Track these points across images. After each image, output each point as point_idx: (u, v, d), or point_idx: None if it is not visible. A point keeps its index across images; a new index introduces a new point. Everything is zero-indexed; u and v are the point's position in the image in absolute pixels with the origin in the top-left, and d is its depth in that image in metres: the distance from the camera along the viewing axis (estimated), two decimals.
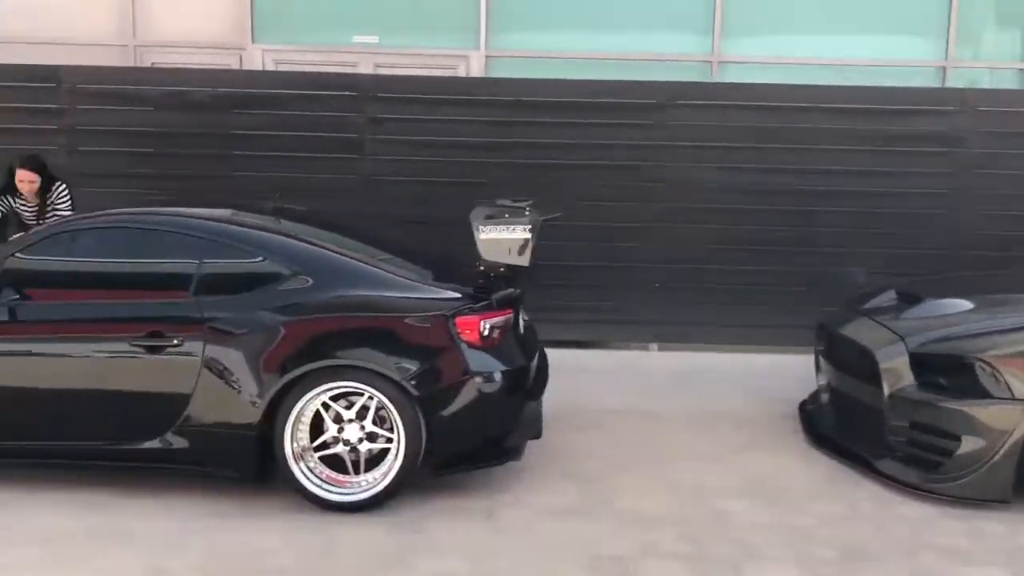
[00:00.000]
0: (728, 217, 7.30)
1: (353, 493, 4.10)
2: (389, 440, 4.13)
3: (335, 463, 4.16)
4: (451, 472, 4.31)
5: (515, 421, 4.35)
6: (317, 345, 4.07)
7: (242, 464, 4.14)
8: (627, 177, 7.27)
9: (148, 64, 8.79)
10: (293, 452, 4.09)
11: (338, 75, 7.64)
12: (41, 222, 5.63)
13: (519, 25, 8.88)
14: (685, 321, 7.38)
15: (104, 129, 7.24)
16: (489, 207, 4.64)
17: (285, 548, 3.76)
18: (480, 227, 4.28)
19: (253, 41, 8.96)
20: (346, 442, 4.13)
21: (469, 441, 4.25)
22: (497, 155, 7.26)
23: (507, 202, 4.80)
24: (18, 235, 4.92)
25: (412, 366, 4.07)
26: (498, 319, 4.31)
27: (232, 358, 4.09)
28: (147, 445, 4.16)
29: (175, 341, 4.10)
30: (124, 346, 4.12)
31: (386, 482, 4.08)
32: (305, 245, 4.36)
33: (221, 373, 4.09)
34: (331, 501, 4.09)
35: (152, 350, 4.11)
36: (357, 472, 4.15)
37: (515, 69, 8.65)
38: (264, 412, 4.05)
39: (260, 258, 4.28)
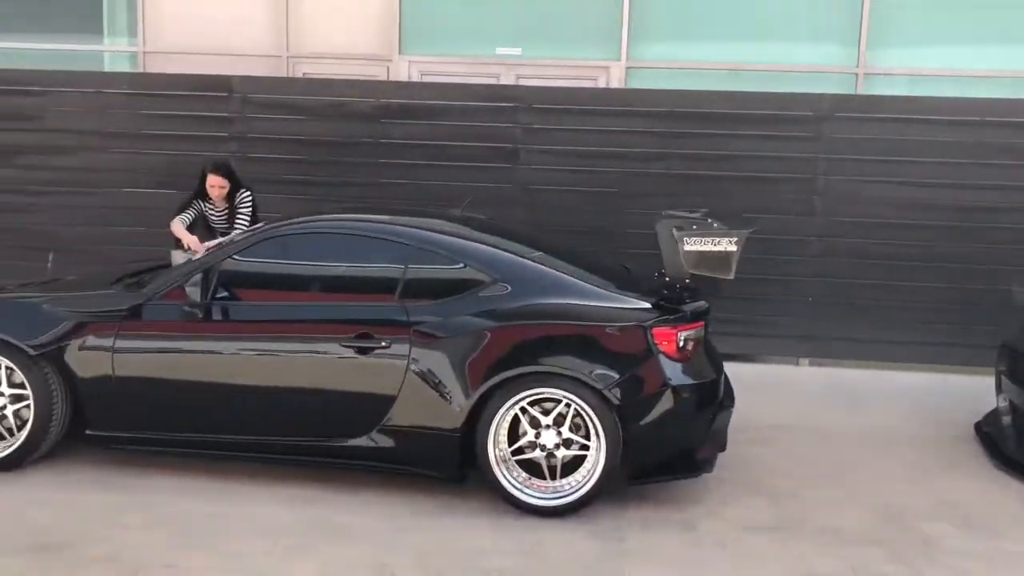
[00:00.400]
0: (886, 232, 7.15)
1: (554, 498, 4.17)
2: (583, 447, 4.19)
3: (529, 468, 4.24)
4: (643, 482, 4.34)
5: (707, 434, 4.36)
6: (521, 352, 4.16)
7: (445, 465, 4.26)
8: (782, 189, 7.20)
9: (300, 74, 9.10)
10: (496, 455, 4.18)
11: (494, 86, 7.78)
12: (235, 226, 5.88)
13: (659, 36, 8.87)
14: (837, 337, 7.26)
15: (271, 137, 7.52)
16: (677, 219, 4.66)
17: (496, 549, 3.85)
18: (684, 239, 4.31)
19: (400, 52, 9.16)
20: (542, 447, 4.21)
21: (664, 452, 4.28)
22: (650, 166, 7.28)
23: (688, 212, 4.83)
24: (230, 237, 5.13)
25: (613, 375, 4.12)
26: (692, 331, 4.33)
27: (437, 361, 4.21)
28: (353, 443, 4.31)
29: (383, 343, 4.25)
30: (334, 346, 4.28)
31: (586, 488, 4.14)
32: (504, 253, 4.46)
33: (426, 375, 4.21)
34: (532, 505, 4.17)
35: (361, 351, 4.26)
36: (553, 477, 4.22)
37: (655, 80, 8.66)
38: (467, 415, 4.16)
39: (461, 265, 4.40)
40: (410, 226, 4.55)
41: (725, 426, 4.48)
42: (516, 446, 4.21)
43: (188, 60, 8.81)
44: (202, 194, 5.92)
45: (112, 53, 9.47)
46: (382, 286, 4.41)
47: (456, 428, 4.18)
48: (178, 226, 5.81)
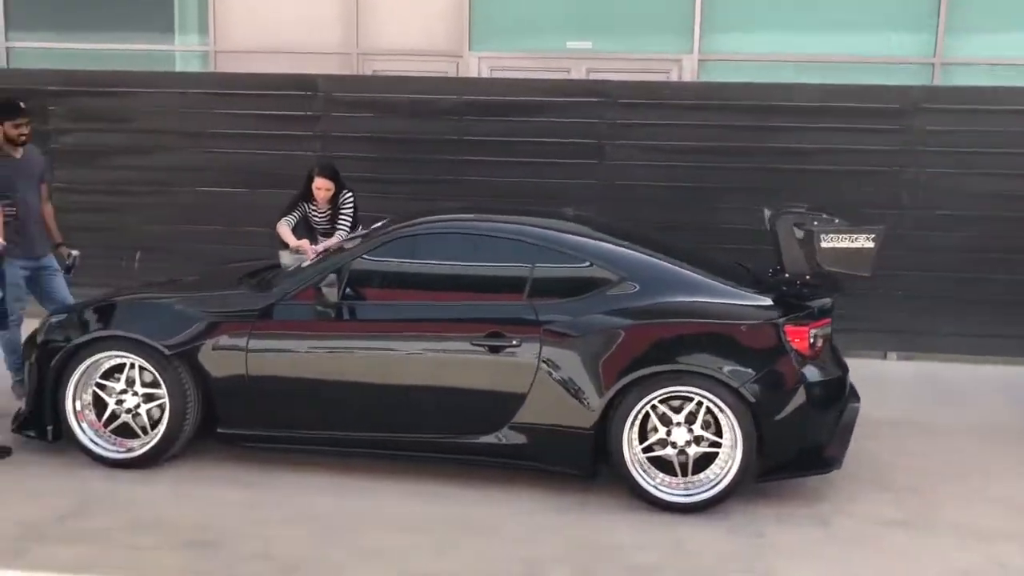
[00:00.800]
0: (973, 224, 7.10)
1: (690, 494, 4.20)
2: (712, 444, 4.21)
3: (657, 464, 4.27)
4: (772, 479, 4.35)
5: (835, 430, 4.38)
6: (657, 350, 4.19)
7: (577, 462, 4.30)
8: (872, 182, 7.16)
9: (370, 71, 9.15)
10: (630, 453, 4.21)
11: (579, 81, 7.80)
12: (337, 226, 5.94)
13: (731, 28, 8.82)
14: (924, 330, 7.22)
15: (354, 136, 7.58)
16: (793, 215, 4.67)
17: (638, 545, 3.88)
18: (821, 235, 4.31)
19: (470, 49, 9.19)
20: (673, 444, 4.23)
21: (795, 449, 4.29)
22: (737, 160, 7.26)
23: (797, 208, 4.84)
24: (340, 240, 5.17)
25: (748, 373, 4.14)
26: (822, 328, 4.34)
27: (569, 360, 4.24)
28: (483, 440, 4.36)
29: (514, 342, 4.29)
30: (465, 345, 4.33)
31: (723, 485, 4.17)
32: (630, 251, 4.49)
33: (557, 374, 4.25)
34: (667, 501, 4.20)
35: (492, 350, 4.30)
36: (684, 474, 4.25)
37: (727, 73, 8.64)
38: (601, 413, 4.20)
39: (588, 264, 4.43)
40: (536, 226, 4.59)
41: (852, 422, 4.48)
42: (647, 443, 4.24)
43: (258, 59, 8.89)
44: (307, 196, 5.98)
45: (183, 53, 9.59)
46: (510, 285, 4.45)
47: (590, 426, 4.21)
48: (285, 228, 5.89)
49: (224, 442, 4.61)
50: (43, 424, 4.64)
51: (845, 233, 4.33)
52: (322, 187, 5.88)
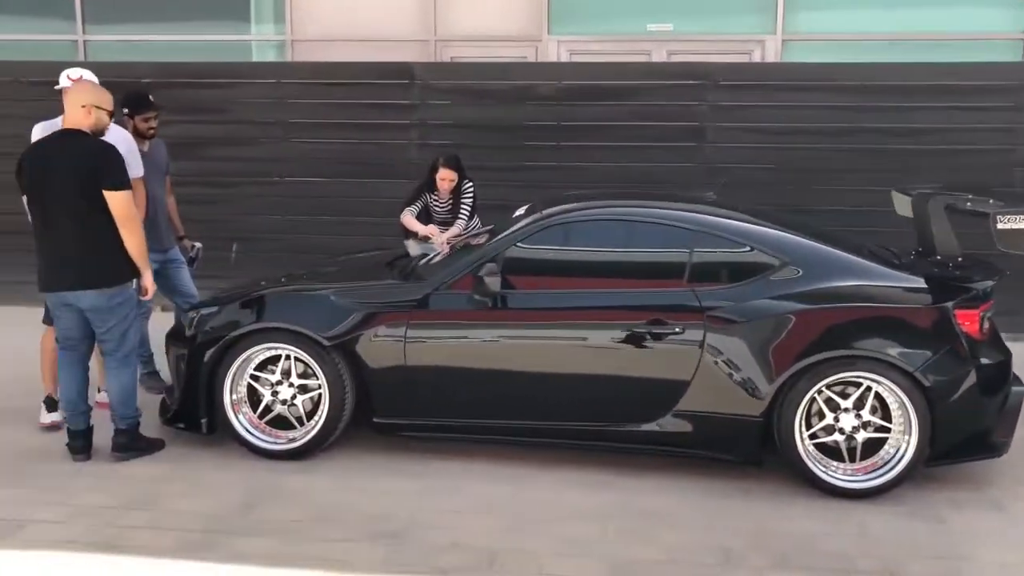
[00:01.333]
0: None
1: (863, 480, 4.17)
2: (879, 429, 4.18)
3: (823, 450, 4.24)
4: (943, 463, 4.31)
5: (1001, 414, 4.32)
6: (830, 336, 4.16)
7: (743, 449, 4.28)
8: (978, 162, 7.07)
9: (448, 58, 9.11)
10: (801, 439, 4.18)
11: (679, 64, 7.72)
12: (458, 216, 5.94)
13: (815, 7, 8.72)
14: None
15: (452, 123, 7.55)
16: (949, 196, 4.61)
17: (824, 532, 3.87)
18: (998, 217, 4.26)
19: (549, 33, 9.12)
20: (841, 430, 4.20)
21: (966, 433, 4.25)
22: (841, 141, 7.19)
23: (929, 188, 4.79)
24: (480, 227, 5.13)
25: (922, 357, 4.10)
26: (988, 310, 4.29)
27: (735, 346, 4.21)
28: (644, 427, 4.35)
29: (676, 329, 4.26)
30: (627, 333, 4.30)
31: (897, 470, 4.14)
32: (790, 236, 4.45)
33: (722, 360, 4.22)
34: (839, 487, 4.17)
35: (654, 337, 4.28)
36: (852, 460, 4.22)
37: (811, 53, 8.53)
38: (770, 399, 4.17)
39: (747, 248, 4.39)
40: (693, 211, 4.56)
41: (1018, 407, 4.43)
42: (814, 429, 4.21)
43: (335, 47, 8.87)
44: (429, 186, 5.97)
45: (259, 42, 9.58)
46: (669, 272, 4.42)
47: (759, 413, 4.18)
48: (410, 218, 5.89)
49: (379, 432, 4.61)
50: (195, 417, 4.67)
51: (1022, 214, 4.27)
52: (446, 178, 5.86)
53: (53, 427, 4.94)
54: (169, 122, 7.78)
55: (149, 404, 4.94)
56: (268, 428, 4.62)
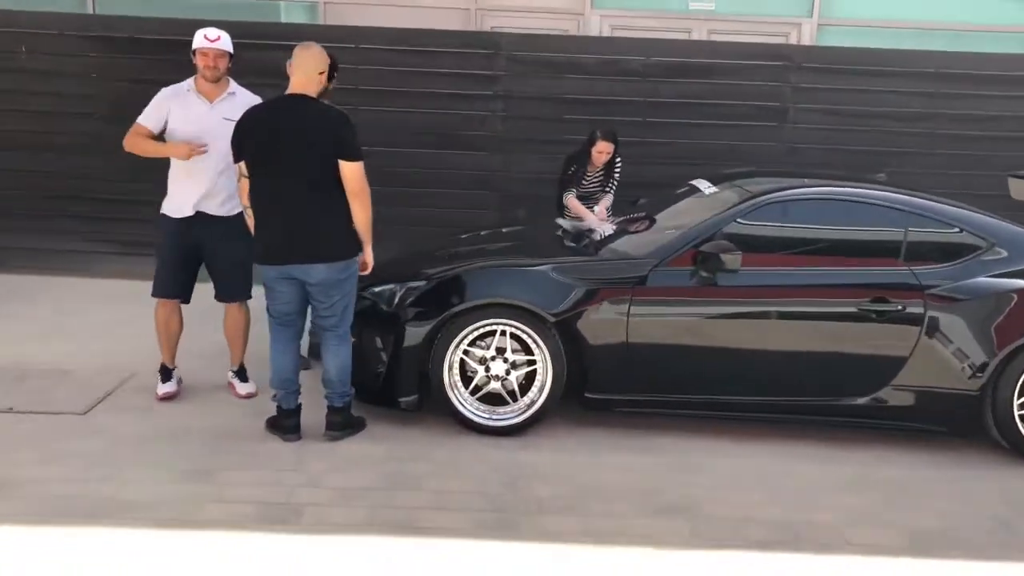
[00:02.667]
0: None
1: None
2: None
3: None
4: None
5: None
6: None
7: (959, 423, 4.50)
8: None
9: (488, 28, 8.98)
10: (1017, 413, 4.42)
11: (766, 45, 7.85)
12: (606, 189, 5.94)
13: None
14: None
15: (536, 96, 7.48)
16: None
17: None
18: None
19: (592, 6, 9.12)
20: None
21: None
22: (916, 125, 7.51)
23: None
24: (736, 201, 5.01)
25: None
26: None
27: (955, 324, 4.42)
28: (860, 401, 4.52)
29: (898, 306, 4.43)
30: (850, 310, 4.44)
31: None
32: (991, 219, 4.67)
33: (941, 337, 4.42)
34: None
35: (877, 315, 4.43)
36: None
37: (845, 37, 8.84)
38: (988, 376, 4.39)
39: (957, 230, 4.59)
40: (906, 193, 4.72)
41: None
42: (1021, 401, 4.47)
43: (370, 11, 8.62)
44: (583, 159, 5.92)
45: (288, 3, 9.19)
46: (885, 251, 4.58)
47: (977, 388, 4.40)
48: (575, 202, 5.87)
49: (588, 407, 4.61)
50: (394, 395, 4.54)
51: None
52: (604, 151, 5.83)
53: (167, 398, 4.79)
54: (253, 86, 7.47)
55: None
56: (480, 404, 4.55)
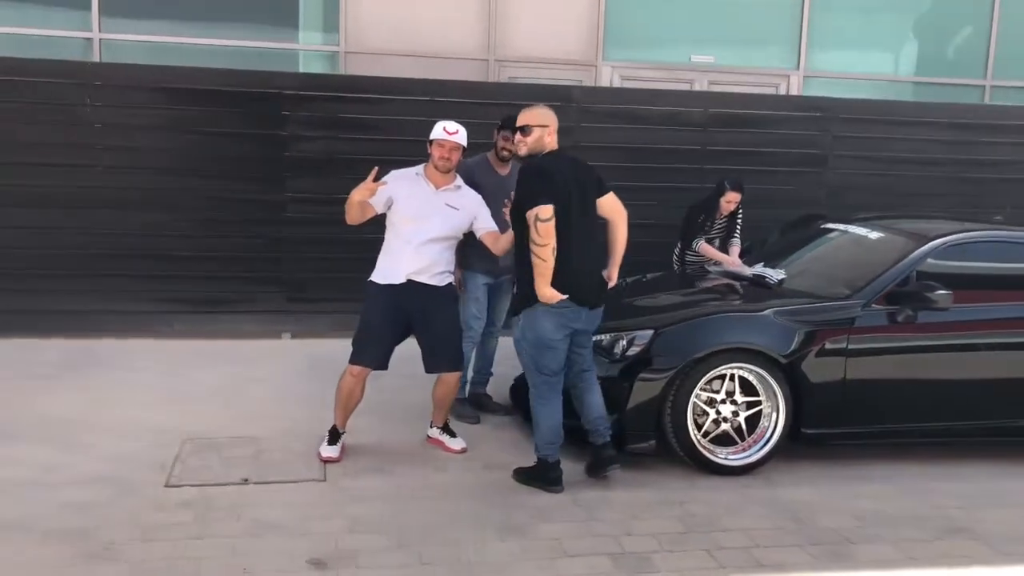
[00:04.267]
0: None
1: None
2: None
3: None
4: None
5: None
6: None
7: None
8: None
9: (505, 78, 9.26)
10: None
11: (803, 98, 8.49)
12: (732, 236, 6.31)
13: (830, 47, 9.90)
14: None
15: (607, 146, 7.79)
16: None
17: None
18: None
19: (603, 59, 9.58)
20: None
21: None
22: (946, 171, 8.33)
23: None
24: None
25: None
26: None
27: None
28: None
29: None
30: None
31: None
32: None
33: None
34: None
35: None
36: None
37: (828, 88, 9.68)
38: None
39: None
40: None
41: None
42: None
43: (390, 61, 8.74)
44: (710, 207, 6.26)
45: (308, 52, 9.16)
46: None
47: None
48: (710, 248, 6.28)
49: (806, 442, 4.90)
50: (625, 441, 4.70)
51: None
52: (732, 200, 6.21)
53: (330, 460, 4.73)
54: (311, 138, 7.38)
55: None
56: (711, 445, 4.78)
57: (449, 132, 4.72)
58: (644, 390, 4.67)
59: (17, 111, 6.89)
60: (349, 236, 7.08)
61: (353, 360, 4.72)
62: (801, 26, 9.74)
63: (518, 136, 4.49)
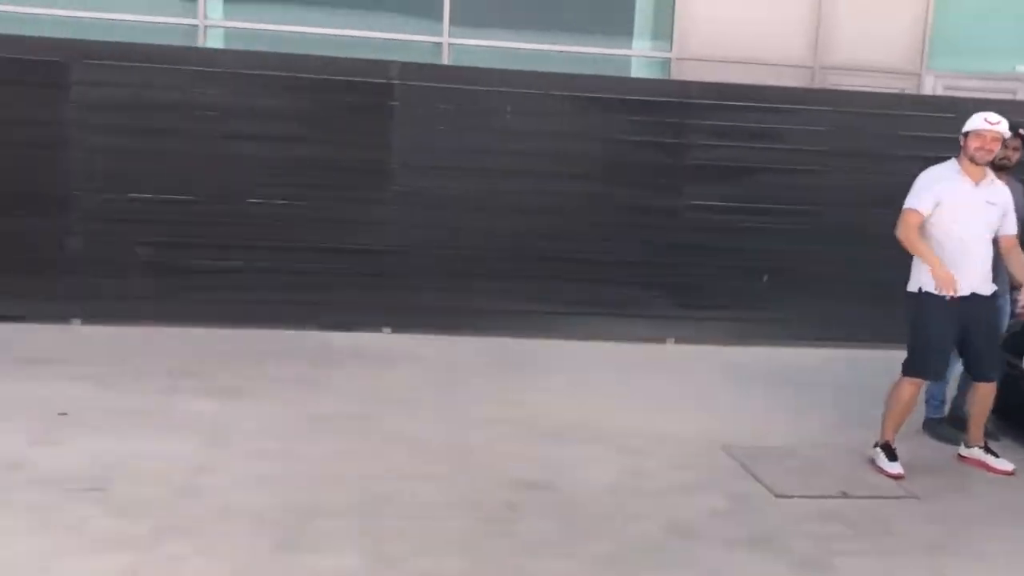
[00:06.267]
0: None
1: None
2: None
3: None
4: None
5: None
6: None
7: None
8: None
9: (828, 85, 9.20)
10: None
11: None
12: None
13: None
14: None
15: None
16: None
17: None
18: None
19: (926, 67, 9.47)
20: None
21: None
22: None
23: None
24: None
25: None
26: None
27: None
28: None
29: None
30: None
31: None
32: None
33: None
34: None
35: None
36: None
37: None
38: None
39: None
40: None
41: None
42: None
43: (715, 68, 8.75)
44: None
45: (640, 59, 9.29)
46: None
47: None
48: None
49: None
50: None
51: None
52: None
53: (899, 477, 4.73)
54: (711, 146, 7.46)
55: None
56: None
57: (991, 123, 4.66)
58: None
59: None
60: (744, 244, 7.36)
61: (910, 372, 4.79)
62: None
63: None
